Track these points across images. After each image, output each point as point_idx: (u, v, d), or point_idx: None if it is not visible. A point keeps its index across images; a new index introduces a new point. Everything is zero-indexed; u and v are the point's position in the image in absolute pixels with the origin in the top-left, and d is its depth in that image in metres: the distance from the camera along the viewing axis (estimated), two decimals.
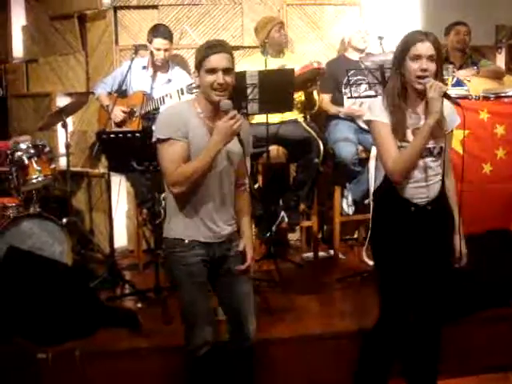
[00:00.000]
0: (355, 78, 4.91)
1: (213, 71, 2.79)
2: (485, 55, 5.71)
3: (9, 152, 4.71)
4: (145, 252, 5.23)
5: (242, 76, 4.22)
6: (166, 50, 5.06)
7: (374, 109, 2.98)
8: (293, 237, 5.76)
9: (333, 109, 5.14)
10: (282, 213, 4.87)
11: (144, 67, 5.19)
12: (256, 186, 4.88)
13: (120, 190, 5.10)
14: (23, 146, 4.73)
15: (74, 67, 5.89)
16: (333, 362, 3.61)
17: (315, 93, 5.02)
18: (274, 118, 4.75)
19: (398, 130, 2.90)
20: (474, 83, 4.84)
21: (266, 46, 5.06)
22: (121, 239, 5.54)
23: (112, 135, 4.22)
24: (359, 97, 4.78)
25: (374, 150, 4.48)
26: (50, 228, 4.60)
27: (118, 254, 5.26)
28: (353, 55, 5.24)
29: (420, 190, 2.97)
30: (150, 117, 5.05)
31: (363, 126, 4.74)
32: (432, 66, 2.86)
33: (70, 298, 3.70)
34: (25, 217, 4.55)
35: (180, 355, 3.41)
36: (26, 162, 4.68)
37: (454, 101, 2.93)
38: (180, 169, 2.81)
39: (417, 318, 3.14)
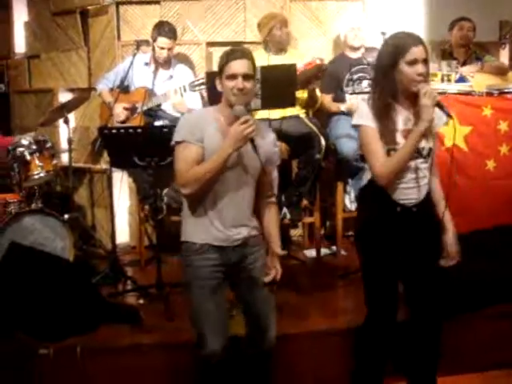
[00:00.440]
0: (357, 76, 4.90)
1: (233, 77, 2.82)
2: (489, 51, 5.68)
3: (10, 148, 4.71)
4: (147, 248, 5.21)
5: None
6: (169, 49, 5.06)
7: (360, 113, 2.98)
8: (295, 233, 5.75)
9: (334, 107, 5.11)
10: (284, 209, 4.84)
11: (146, 63, 5.18)
12: None
13: (122, 185, 5.11)
14: (25, 141, 4.73)
15: (76, 63, 5.89)
16: (336, 359, 3.60)
17: (317, 90, 5.00)
18: (276, 113, 4.73)
19: (386, 133, 2.89)
20: (478, 79, 4.81)
21: (267, 43, 5.06)
22: (123, 235, 5.55)
23: (114, 131, 4.22)
24: (362, 92, 4.77)
25: None
26: (52, 224, 4.60)
27: (120, 250, 5.26)
28: (351, 53, 5.22)
29: (409, 191, 2.97)
30: (152, 113, 5.06)
31: None
32: (426, 70, 2.87)
33: (71, 294, 3.69)
34: (27, 212, 4.56)
35: (182, 352, 3.44)
36: (28, 157, 4.68)
37: (447, 112, 2.89)
38: (191, 171, 2.83)
39: (414, 317, 3.15)
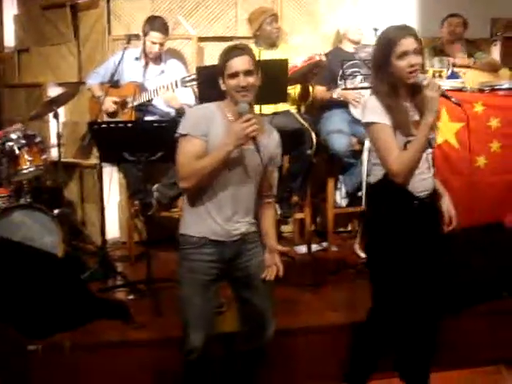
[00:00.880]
0: (351, 70, 4.89)
1: (235, 75, 2.81)
2: (479, 47, 5.68)
3: None
4: (137, 244, 5.19)
5: None
6: (160, 44, 5.04)
7: (372, 110, 2.89)
8: (286, 229, 5.74)
9: (326, 95, 5.07)
10: (275, 205, 4.83)
11: (137, 58, 5.15)
12: None
13: (112, 181, 5.09)
14: (14, 136, 4.71)
15: (66, 57, 5.85)
16: (325, 355, 3.59)
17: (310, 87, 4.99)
18: (268, 109, 4.72)
19: (403, 126, 2.86)
20: (470, 75, 4.83)
21: (258, 38, 5.05)
22: (113, 231, 5.52)
23: (103, 125, 4.19)
24: (355, 88, 4.76)
25: (367, 142, 4.45)
26: (41, 219, 4.58)
27: (110, 246, 5.23)
28: (348, 47, 5.21)
29: (424, 182, 2.95)
30: (143, 108, 5.04)
31: (356, 115, 4.72)
32: (419, 59, 2.85)
33: (60, 290, 3.68)
34: (15, 207, 4.54)
35: (171, 348, 3.42)
36: (17, 152, 4.66)
37: (455, 101, 2.90)
38: (190, 164, 2.82)
39: (414, 313, 3.13)
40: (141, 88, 4.99)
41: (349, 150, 4.84)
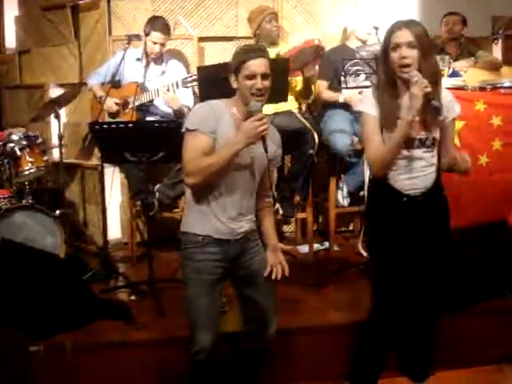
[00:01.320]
0: (354, 68, 4.86)
1: (252, 77, 2.79)
2: (479, 45, 5.67)
3: (1, 143, 4.68)
4: (139, 244, 5.19)
5: None
6: (161, 45, 5.03)
7: (364, 100, 2.99)
8: (288, 229, 5.75)
9: (332, 97, 5.01)
10: (277, 204, 4.82)
11: (138, 59, 5.15)
12: None
13: (114, 181, 5.08)
14: (15, 137, 4.71)
15: (67, 58, 5.85)
16: (327, 355, 3.59)
17: (312, 86, 4.99)
18: (269, 109, 4.71)
19: (389, 121, 2.88)
20: (471, 74, 4.81)
21: (258, 37, 5.05)
22: (114, 231, 5.52)
23: (105, 126, 4.19)
24: (357, 87, 4.74)
25: None
26: (43, 220, 4.57)
27: (112, 247, 5.24)
28: (354, 45, 5.18)
29: (412, 180, 2.96)
30: (144, 109, 5.04)
31: None
32: (412, 53, 2.82)
33: (62, 291, 3.67)
34: (17, 209, 4.53)
35: (173, 348, 3.42)
36: (19, 153, 4.66)
37: (436, 106, 2.83)
38: (197, 160, 2.79)
39: (412, 310, 3.14)
40: (142, 88, 4.99)
41: (351, 150, 4.82)
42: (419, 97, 2.77)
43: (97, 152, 5.03)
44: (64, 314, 3.59)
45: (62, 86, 5.92)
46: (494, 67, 5.25)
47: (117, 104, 5.04)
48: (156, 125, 4.14)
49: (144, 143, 3.99)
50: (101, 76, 5.17)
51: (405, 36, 2.82)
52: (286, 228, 5.74)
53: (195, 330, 2.90)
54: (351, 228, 5.74)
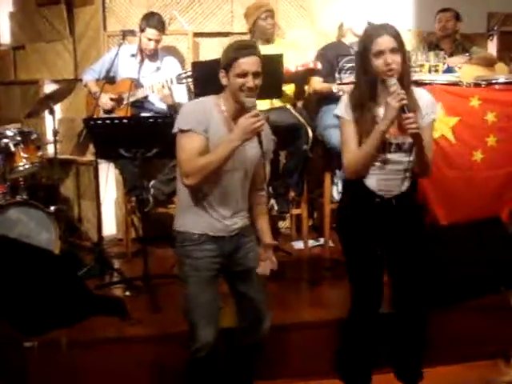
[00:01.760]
0: (349, 65, 4.86)
1: (243, 75, 2.77)
2: (474, 42, 5.67)
3: None
4: (134, 240, 5.18)
5: None
6: (156, 41, 5.02)
7: (340, 105, 3.00)
8: (282, 225, 5.75)
9: (326, 88, 4.97)
10: (272, 201, 4.82)
11: (133, 55, 5.14)
12: None
13: (108, 177, 5.08)
14: (10, 132, 4.70)
15: (62, 54, 5.84)
16: (321, 351, 3.59)
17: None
18: (263, 104, 4.70)
19: (364, 125, 2.90)
20: (465, 70, 4.81)
21: (254, 33, 5.05)
22: (109, 227, 5.52)
23: (99, 122, 4.18)
24: (351, 83, 4.73)
25: None
26: (38, 216, 4.56)
27: (107, 243, 5.24)
28: (350, 41, 5.17)
29: (389, 182, 2.97)
30: (139, 105, 5.03)
31: None
32: (396, 58, 2.83)
33: (57, 286, 3.67)
34: (12, 204, 4.52)
35: (168, 344, 3.43)
36: (13, 149, 4.66)
37: (406, 116, 2.81)
38: (194, 160, 2.77)
39: (400, 308, 3.15)
40: (136, 84, 4.98)
41: None
42: (395, 108, 2.79)
43: (92, 148, 5.02)
44: (59, 309, 3.59)
45: (56, 81, 5.90)
46: (489, 63, 5.24)
47: (112, 100, 5.03)
48: (150, 121, 4.13)
49: (139, 139, 3.99)
50: (95, 72, 5.16)
51: (387, 42, 2.82)
52: (281, 224, 5.74)
53: (197, 327, 2.90)
54: None
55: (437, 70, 4.53)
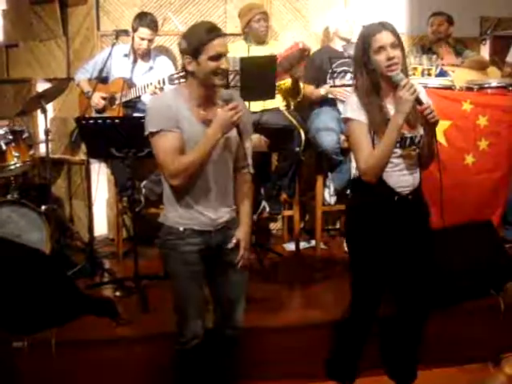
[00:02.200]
0: (341, 69, 4.87)
1: (218, 57, 2.70)
2: (467, 46, 5.69)
3: None
4: (125, 240, 5.17)
5: None
6: (149, 41, 5.01)
7: (350, 106, 2.93)
8: (274, 226, 5.75)
9: (315, 92, 5.03)
10: (264, 202, 4.84)
11: (126, 55, 5.13)
12: None
13: (100, 177, 5.06)
14: (1, 131, 4.67)
15: (55, 52, 5.81)
16: (312, 352, 3.58)
17: (301, 83, 4.98)
18: (257, 106, 4.70)
19: (378, 125, 2.86)
20: (458, 74, 4.83)
21: (247, 35, 5.05)
22: (101, 227, 5.51)
23: (91, 121, 4.17)
24: (344, 85, 4.75)
25: None
26: (29, 215, 4.55)
27: (98, 242, 5.23)
28: (338, 45, 5.18)
29: (404, 178, 2.94)
30: (131, 105, 5.02)
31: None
32: (397, 53, 2.83)
33: (47, 286, 3.65)
34: (2, 203, 4.51)
35: (158, 344, 3.42)
36: (4, 147, 4.62)
37: (424, 107, 2.81)
38: (178, 160, 2.73)
39: (401, 309, 3.15)
40: (129, 84, 4.97)
41: (337, 148, 4.82)
42: (409, 101, 2.77)
43: (84, 147, 5.01)
44: (49, 309, 3.57)
45: (49, 80, 5.88)
46: (482, 67, 5.27)
47: (103, 98, 5.02)
48: (142, 121, 4.09)
49: (130, 139, 3.98)
50: (88, 71, 5.14)
51: (387, 37, 2.82)
52: (272, 225, 5.74)
53: (186, 318, 2.90)
54: (338, 226, 5.76)
55: (430, 74, 4.54)
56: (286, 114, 4.91)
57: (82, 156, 5.42)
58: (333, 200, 5.14)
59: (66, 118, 5.70)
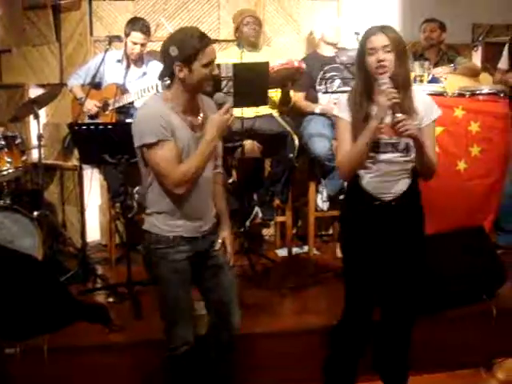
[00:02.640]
0: (329, 74, 4.89)
1: (210, 64, 2.73)
2: (459, 52, 5.72)
3: None
4: (118, 246, 5.17)
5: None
6: (142, 45, 5.01)
7: (339, 105, 3.02)
8: (267, 232, 5.74)
9: (308, 107, 5.07)
10: (257, 208, 4.84)
11: (119, 60, 5.12)
12: (230, 180, 4.84)
13: (93, 183, 5.06)
14: None
15: (48, 58, 5.81)
16: (305, 358, 3.59)
17: (291, 92, 4.99)
18: (250, 112, 4.71)
19: (359, 127, 2.90)
20: (450, 80, 4.84)
21: (239, 40, 5.06)
22: (94, 233, 5.50)
23: (84, 127, 4.17)
24: (334, 92, 4.77)
25: None
26: (21, 221, 4.52)
27: (91, 248, 5.21)
28: (326, 51, 5.18)
29: (384, 184, 2.96)
30: (124, 110, 5.02)
31: None
32: (388, 57, 2.84)
33: (39, 292, 3.64)
34: None
35: (150, 350, 3.41)
36: None
37: (397, 119, 2.80)
38: (180, 169, 2.73)
39: (387, 314, 3.15)
40: (122, 90, 4.97)
41: (330, 154, 4.83)
42: (385, 107, 2.80)
43: (76, 153, 5.00)
44: (41, 315, 3.57)
45: (42, 86, 5.88)
46: (474, 73, 5.30)
47: (97, 106, 5.01)
48: None
49: (123, 145, 3.95)
50: (81, 77, 5.14)
51: (380, 40, 2.84)
52: (265, 231, 5.74)
53: (176, 325, 2.91)
54: (330, 232, 5.75)
55: (421, 80, 4.56)
56: (279, 120, 4.92)
57: (74, 162, 5.40)
58: (325, 206, 5.15)
59: (59, 124, 5.70)
